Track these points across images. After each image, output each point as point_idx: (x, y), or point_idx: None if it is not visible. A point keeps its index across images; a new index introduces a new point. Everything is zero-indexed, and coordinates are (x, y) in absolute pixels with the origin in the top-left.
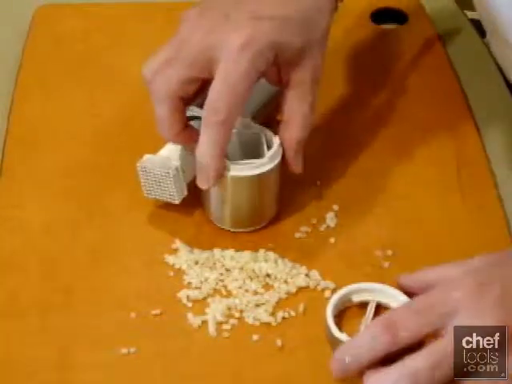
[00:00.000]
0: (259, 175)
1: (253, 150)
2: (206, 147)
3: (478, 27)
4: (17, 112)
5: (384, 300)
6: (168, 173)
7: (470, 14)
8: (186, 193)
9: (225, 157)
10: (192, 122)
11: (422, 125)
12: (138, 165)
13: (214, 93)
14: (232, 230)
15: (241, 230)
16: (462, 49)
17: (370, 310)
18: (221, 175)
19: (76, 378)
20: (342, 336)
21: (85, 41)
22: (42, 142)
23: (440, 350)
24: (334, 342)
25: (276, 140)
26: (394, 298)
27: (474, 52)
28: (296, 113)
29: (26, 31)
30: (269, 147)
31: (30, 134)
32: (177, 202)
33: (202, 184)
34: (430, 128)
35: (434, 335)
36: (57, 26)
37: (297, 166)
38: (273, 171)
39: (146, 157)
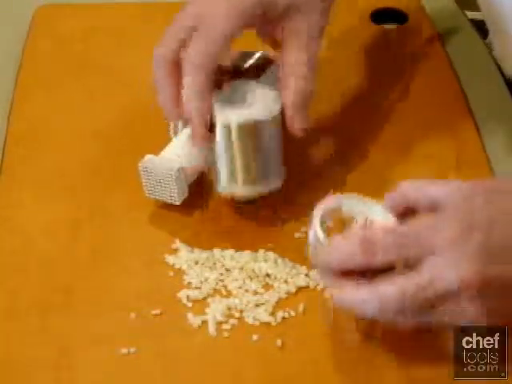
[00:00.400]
0: (259, 121)
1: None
2: (188, 92)
3: (478, 27)
4: (17, 112)
5: (373, 217)
6: (170, 174)
7: (470, 14)
8: (187, 194)
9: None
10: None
11: (421, 124)
12: (140, 165)
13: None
14: (244, 195)
15: (251, 193)
16: (462, 49)
17: (357, 222)
18: (207, 125)
19: (76, 378)
20: (324, 239)
21: (85, 41)
22: (42, 142)
23: (413, 284)
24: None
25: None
26: (384, 216)
27: (474, 52)
28: (293, 64)
29: (26, 31)
30: None
31: (30, 133)
32: (178, 202)
33: (197, 138)
34: (429, 128)
35: (409, 265)
36: (57, 26)
37: (299, 124)
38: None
39: (148, 157)
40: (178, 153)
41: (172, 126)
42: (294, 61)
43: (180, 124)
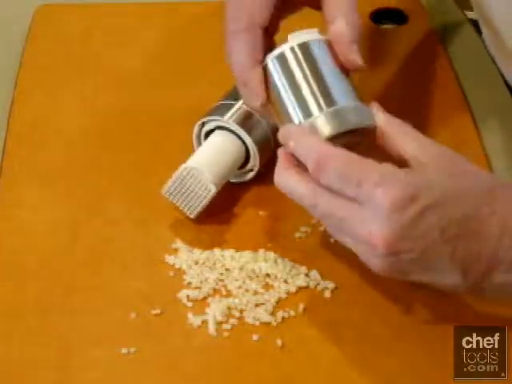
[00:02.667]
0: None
1: None
2: (239, 58)
3: (478, 27)
4: (17, 112)
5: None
6: (210, 191)
7: (470, 14)
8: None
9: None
10: (215, 133)
11: (421, 124)
12: (184, 165)
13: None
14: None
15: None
16: (462, 49)
17: None
18: (261, 80)
19: (76, 378)
20: None
21: (85, 41)
22: (42, 141)
23: (350, 217)
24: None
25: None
26: None
27: (474, 52)
28: (339, 8)
29: (26, 31)
30: None
31: (30, 133)
32: (192, 216)
33: (252, 101)
34: (429, 127)
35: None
36: (57, 26)
37: (355, 59)
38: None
39: (194, 162)
40: (214, 170)
41: (195, 133)
42: (337, 7)
43: (203, 133)
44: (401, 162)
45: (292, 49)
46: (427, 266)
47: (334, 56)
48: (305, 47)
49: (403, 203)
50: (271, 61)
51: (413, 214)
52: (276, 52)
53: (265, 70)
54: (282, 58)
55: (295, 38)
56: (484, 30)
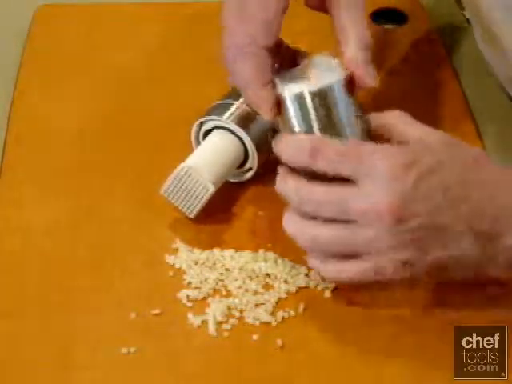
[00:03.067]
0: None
1: None
2: (246, 77)
3: None
4: (17, 112)
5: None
6: (205, 192)
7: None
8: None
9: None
10: (213, 133)
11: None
12: (182, 164)
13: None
14: None
15: None
16: (461, 49)
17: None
18: (274, 101)
19: (76, 378)
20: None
21: (85, 41)
22: (41, 141)
23: (347, 232)
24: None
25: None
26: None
27: (474, 52)
28: (347, 20)
29: (26, 31)
30: None
31: (30, 133)
32: (192, 216)
33: (266, 116)
34: (429, 127)
35: (347, 180)
36: (57, 26)
37: (370, 76)
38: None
39: (192, 162)
40: (213, 169)
41: (193, 133)
42: (347, 16)
43: (201, 132)
44: None
45: (312, 93)
46: (439, 234)
47: (351, 92)
48: (324, 93)
49: (403, 169)
50: (289, 98)
51: (414, 178)
52: (295, 90)
53: (276, 92)
54: (299, 99)
55: (318, 76)
56: (478, 30)
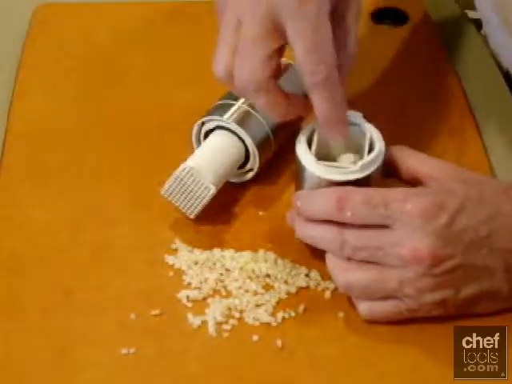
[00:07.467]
0: (345, 182)
1: (355, 144)
2: (328, 108)
3: (479, 27)
4: (17, 111)
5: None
6: (206, 193)
7: (471, 14)
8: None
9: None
10: (214, 133)
11: (421, 124)
12: (184, 165)
13: (304, 52)
14: None
15: None
16: (462, 49)
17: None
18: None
19: (76, 378)
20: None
21: (85, 40)
22: (41, 141)
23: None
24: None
25: (378, 145)
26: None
27: (475, 52)
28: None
29: (26, 31)
30: (370, 150)
31: (30, 133)
32: (192, 217)
33: (339, 136)
34: (429, 128)
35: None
36: (57, 26)
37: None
38: (362, 180)
39: (193, 162)
40: (215, 170)
41: (194, 133)
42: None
43: (202, 132)
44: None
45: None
46: (473, 271)
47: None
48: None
49: (434, 212)
50: (307, 170)
51: (445, 220)
52: (327, 176)
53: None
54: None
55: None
56: (488, 25)
